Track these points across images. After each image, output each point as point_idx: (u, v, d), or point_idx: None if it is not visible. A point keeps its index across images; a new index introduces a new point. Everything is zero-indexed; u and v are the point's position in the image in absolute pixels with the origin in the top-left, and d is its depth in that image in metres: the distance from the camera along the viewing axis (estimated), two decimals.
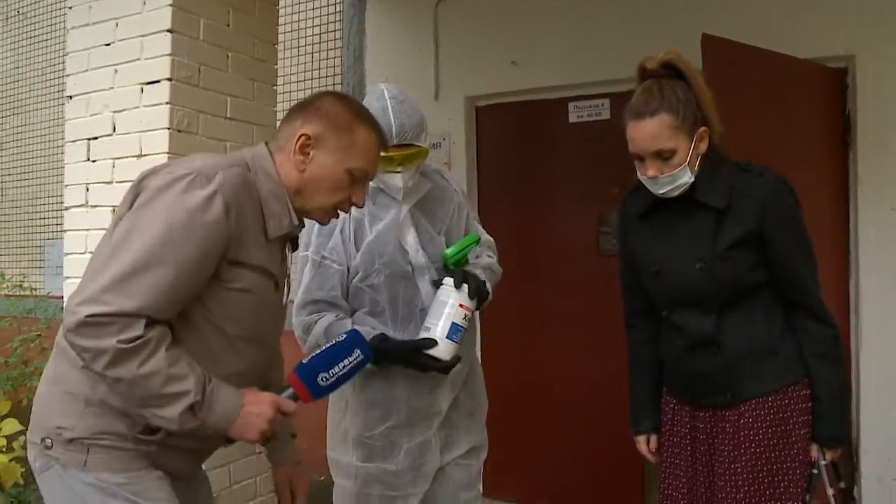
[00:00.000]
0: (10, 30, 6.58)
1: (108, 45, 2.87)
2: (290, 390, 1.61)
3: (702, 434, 1.99)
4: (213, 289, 1.54)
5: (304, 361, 1.63)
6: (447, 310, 2.09)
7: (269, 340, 1.75)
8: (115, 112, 2.84)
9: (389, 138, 2.09)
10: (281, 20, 5.00)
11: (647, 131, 1.86)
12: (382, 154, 2.12)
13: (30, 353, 4.36)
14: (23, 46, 6.44)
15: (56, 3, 6.11)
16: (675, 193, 1.92)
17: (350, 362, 1.64)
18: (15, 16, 6.56)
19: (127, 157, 2.79)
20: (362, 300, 2.23)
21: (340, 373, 1.63)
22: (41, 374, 4.13)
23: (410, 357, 2.10)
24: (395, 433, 2.24)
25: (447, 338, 2.05)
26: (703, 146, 1.93)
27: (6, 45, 6.59)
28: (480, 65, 4.41)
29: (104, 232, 1.60)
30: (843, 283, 3.56)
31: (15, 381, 4.20)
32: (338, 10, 4.88)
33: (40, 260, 6.02)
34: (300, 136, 1.64)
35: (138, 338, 1.40)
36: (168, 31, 2.71)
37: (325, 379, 1.61)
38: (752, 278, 1.93)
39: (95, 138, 2.89)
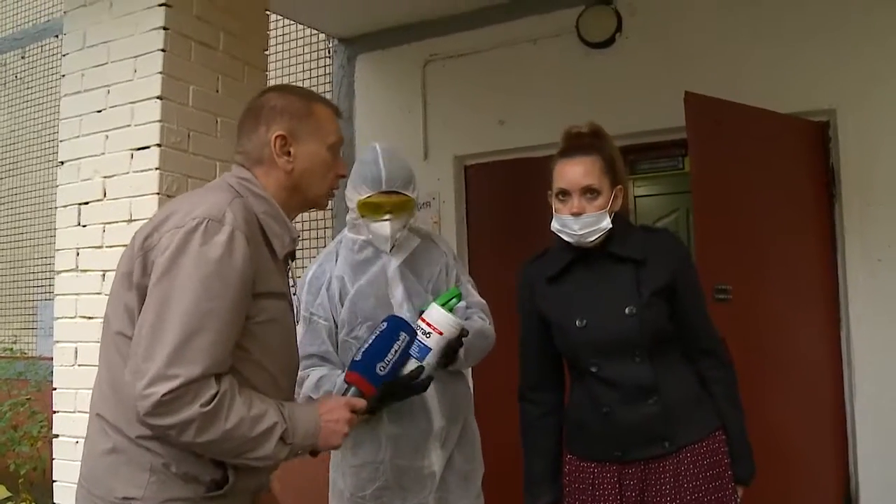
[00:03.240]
0: (8, 94, 6.68)
1: (99, 111, 2.91)
2: (353, 388, 1.65)
3: (632, 491, 1.98)
4: (244, 328, 1.52)
5: (356, 359, 1.69)
6: None
7: (297, 367, 1.74)
8: (105, 177, 2.86)
9: (378, 185, 2.23)
10: (271, 83, 5.11)
11: (580, 167, 1.98)
12: (371, 201, 2.25)
13: (19, 418, 4.31)
14: (20, 110, 6.53)
15: (52, 68, 6.22)
16: (591, 239, 1.98)
17: (400, 346, 1.71)
18: (13, 80, 6.66)
19: (117, 221, 2.81)
20: (349, 354, 2.23)
21: (394, 359, 1.70)
22: (31, 440, 4.10)
23: None
24: (387, 494, 2.24)
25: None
26: (617, 204, 2.03)
27: (3, 109, 6.68)
28: (468, 124, 4.48)
29: (99, 296, 1.59)
30: (834, 335, 3.57)
31: (3, 446, 4.16)
32: (327, 71, 4.97)
33: (33, 320, 6.01)
34: (275, 139, 1.61)
35: (215, 395, 1.40)
36: (157, 97, 2.75)
37: (382, 368, 1.68)
38: (669, 328, 2.01)
39: (86, 203, 2.91)
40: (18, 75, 6.60)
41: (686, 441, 1.97)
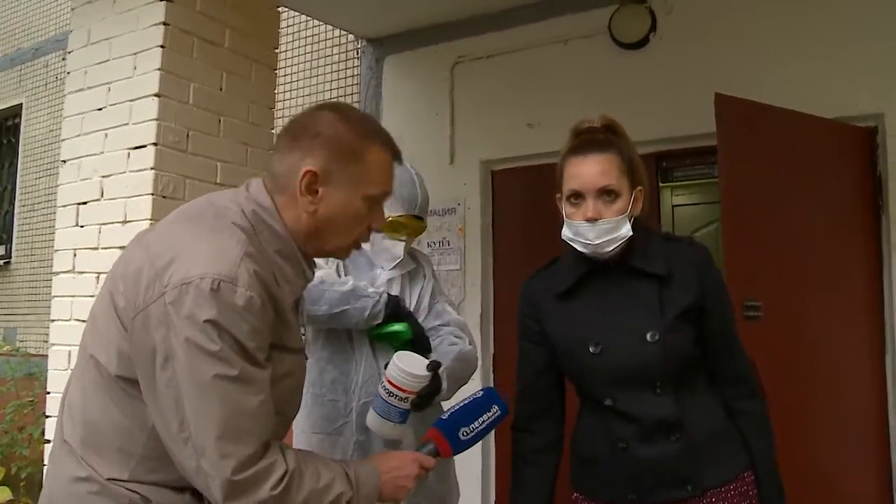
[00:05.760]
0: (49, 94, 6.76)
1: (100, 109, 2.85)
2: (431, 446, 1.60)
3: None
4: None
5: (443, 417, 1.64)
6: None
7: (295, 415, 1.59)
8: (103, 177, 2.80)
9: (413, 208, 2.22)
10: (299, 84, 5.05)
11: (596, 166, 1.70)
12: (395, 219, 2.17)
13: (25, 419, 4.29)
14: (59, 110, 6.57)
15: None
16: (609, 249, 1.72)
17: (488, 417, 1.65)
18: (54, 81, 6.73)
19: (112, 222, 2.73)
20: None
21: (479, 428, 1.64)
22: (35, 442, 4.05)
23: None
24: None
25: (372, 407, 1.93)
26: (638, 208, 1.77)
27: (44, 110, 6.76)
28: (496, 127, 4.33)
29: (94, 298, 1.43)
30: (878, 358, 3.31)
31: (6, 447, 4.13)
32: (355, 73, 4.87)
33: None
34: (304, 174, 1.39)
35: (284, 473, 1.31)
36: (155, 95, 2.67)
37: (465, 434, 1.63)
38: (695, 353, 1.76)
39: (84, 203, 2.85)
40: (59, 76, 6.66)
41: (712, 483, 1.71)
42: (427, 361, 1.89)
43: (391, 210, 2.17)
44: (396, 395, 1.84)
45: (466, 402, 1.66)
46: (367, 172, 1.44)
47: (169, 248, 1.33)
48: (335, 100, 4.82)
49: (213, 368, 1.25)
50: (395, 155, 1.51)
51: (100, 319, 1.39)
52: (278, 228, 1.41)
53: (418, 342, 2.13)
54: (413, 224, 2.24)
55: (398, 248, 2.22)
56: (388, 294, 2.14)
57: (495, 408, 1.66)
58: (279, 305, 1.37)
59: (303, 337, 1.54)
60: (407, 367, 1.83)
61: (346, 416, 2.16)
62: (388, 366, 1.85)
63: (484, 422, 1.64)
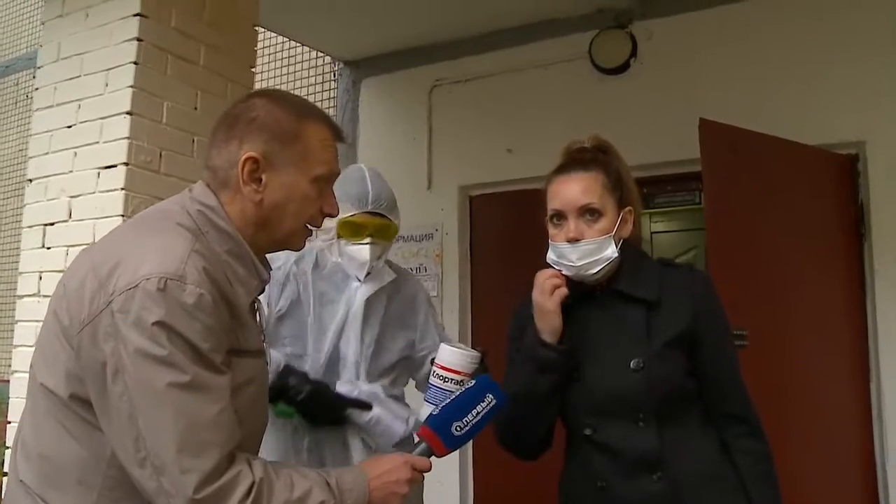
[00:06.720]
0: (19, 112, 6.63)
1: (69, 127, 2.77)
2: (424, 445, 1.50)
3: None
4: None
5: (434, 413, 1.53)
6: None
7: (264, 428, 1.50)
8: (71, 197, 2.70)
9: (364, 204, 2.08)
10: None
11: (578, 184, 1.66)
12: (353, 220, 2.06)
13: None
14: (29, 129, 6.43)
15: None
16: (594, 271, 1.66)
17: (483, 408, 1.52)
18: (24, 99, 6.60)
19: (81, 244, 2.62)
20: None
21: (474, 420, 1.52)
22: None
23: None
24: None
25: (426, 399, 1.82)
26: (627, 230, 1.71)
27: (13, 128, 6.62)
28: (475, 152, 4.29)
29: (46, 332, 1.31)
30: (863, 386, 3.29)
31: None
32: (332, 95, 4.81)
33: None
34: (244, 162, 1.33)
35: (252, 485, 1.21)
36: (127, 113, 2.58)
37: (459, 428, 1.51)
38: (687, 385, 1.67)
39: (52, 224, 2.75)
40: (29, 94, 6.52)
41: None
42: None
43: (343, 211, 2.04)
44: (452, 380, 1.75)
45: (457, 394, 1.56)
46: (309, 151, 1.38)
47: (112, 255, 1.26)
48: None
49: (164, 377, 1.17)
50: (336, 133, 1.45)
51: (46, 344, 1.31)
52: (225, 226, 1.34)
53: (319, 418, 2.04)
54: (374, 223, 2.09)
55: (363, 252, 2.08)
56: (287, 366, 2.01)
57: (490, 397, 1.53)
58: (234, 306, 1.30)
59: (263, 340, 1.45)
60: (457, 348, 1.77)
61: (298, 454, 2.10)
62: (438, 354, 1.78)
63: (478, 413, 1.52)
